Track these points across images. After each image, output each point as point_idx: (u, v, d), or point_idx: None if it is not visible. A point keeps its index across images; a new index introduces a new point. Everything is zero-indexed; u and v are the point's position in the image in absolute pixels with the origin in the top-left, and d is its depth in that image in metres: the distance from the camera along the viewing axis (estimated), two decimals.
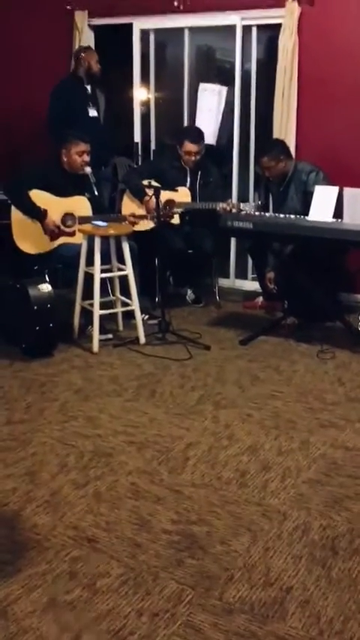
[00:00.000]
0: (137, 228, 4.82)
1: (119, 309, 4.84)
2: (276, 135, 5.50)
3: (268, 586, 2.33)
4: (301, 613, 2.20)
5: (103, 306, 4.56)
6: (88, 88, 5.80)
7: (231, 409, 3.73)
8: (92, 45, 6.12)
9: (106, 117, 5.84)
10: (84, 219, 4.69)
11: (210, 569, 2.41)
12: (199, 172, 5.36)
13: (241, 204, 4.95)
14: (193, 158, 5.27)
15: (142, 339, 4.65)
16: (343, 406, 3.77)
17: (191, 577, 2.37)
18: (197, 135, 5.33)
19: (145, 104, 6.29)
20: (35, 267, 4.78)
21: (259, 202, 5.18)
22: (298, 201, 4.86)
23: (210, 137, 5.77)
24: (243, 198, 6.01)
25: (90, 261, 4.49)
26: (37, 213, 4.64)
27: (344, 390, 3.99)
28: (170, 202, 5.20)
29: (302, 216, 4.57)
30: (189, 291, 5.71)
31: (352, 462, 3.16)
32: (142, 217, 4.90)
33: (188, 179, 5.36)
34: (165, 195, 5.00)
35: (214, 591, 2.30)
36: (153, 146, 6.33)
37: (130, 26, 6.02)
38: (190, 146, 5.25)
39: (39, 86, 6.16)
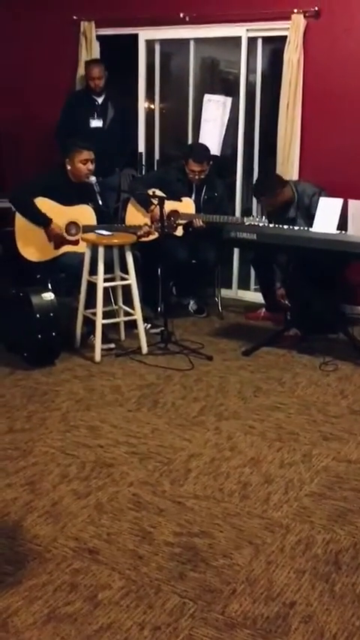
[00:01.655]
0: (143, 238, 4.82)
1: (122, 319, 4.83)
2: (280, 147, 5.50)
3: (270, 600, 2.31)
4: (304, 629, 2.18)
5: (105, 315, 4.55)
6: (99, 99, 5.84)
7: (233, 420, 3.71)
8: (97, 55, 6.16)
9: (113, 128, 5.85)
10: (88, 228, 4.68)
11: (212, 582, 2.39)
12: (205, 187, 5.36)
13: (245, 219, 4.95)
14: (197, 177, 5.28)
15: (145, 349, 4.64)
16: (346, 419, 3.75)
17: (193, 590, 2.35)
18: (202, 154, 5.29)
19: (150, 114, 6.31)
20: (38, 276, 4.77)
21: (264, 217, 5.15)
22: (302, 225, 4.82)
23: (214, 148, 5.77)
24: (247, 209, 6.02)
25: (93, 270, 4.49)
26: (43, 220, 4.64)
27: (347, 402, 3.98)
28: (174, 213, 5.20)
29: (306, 228, 4.56)
30: (191, 302, 5.70)
31: (356, 476, 3.14)
32: (148, 228, 4.89)
33: (193, 193, 5.36)
34: (169, 205, 5.00)
35: (216, 605, 2.28)
36: (157, 156, 6.34)
37: (135, 37, 6.04)
38: (194, 165, 5.24)
39: (45, 96, 6.20)
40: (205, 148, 5.43)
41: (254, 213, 5.82)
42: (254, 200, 6.02)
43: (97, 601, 2.29)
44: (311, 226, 4.51)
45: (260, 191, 5.12)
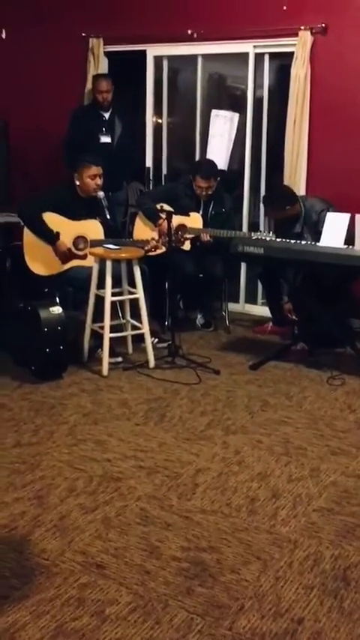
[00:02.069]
0: (151, 252, 4.84)
1: (129, 333, 4.84)
2: (287, 162, 5.53)
3: (279, 616, 2.29)
4: None
5: (113, 329, 4.56)
6: (106, 114, 5.89)
7: (241, 435, 3.70)
8: (105, 70, 6.22)
9: (121, 144, 5.90)
10: (96, 243, 4.71)
11: (220, 598, 2.38)
12: (212, 202, 5.38)
13: (252, 234, 4.96)
14: (204, 192, 5.31)
15: (152, 363, 4.65)
16: (353, 433, 3.74)
17: (201, 606, 2.34)
18: (209, 171, 5.32)
19: (158, 129, 6.35)
20: (46, 290, 4.79)
21: (271, 232, 5.16)
22: (310, 240, 4.83)
23: (221, 163, 5.80)
24: (254, 223, 6.03)
25: (101, 284, 4.51)
26: (50, 236, 4.67)
27: (355, 417, 3.96)
28: (182, 227, 5.23)
29: (313, 242, 4.56)
30: (199, 316, 5.71)
31: None
32: (156, 242, 4.90)
33: (201, 208, 5.38)
34: (177, 219, 5.03)
35: (224, 621, 2.27)
36: (164, 170, 6.38)
37: (143, 53, 6.09)
38: (201, 182, 5.28)
39: (53, 111, 6.25)
40: (212, 165, 5.45)
41: (262, 227, 5.84)
42: (261, 214, 6.04)
43: (104, 616, 2.28)
44: (318, 242, 4.52)
45: (270, 202, 5.11)
